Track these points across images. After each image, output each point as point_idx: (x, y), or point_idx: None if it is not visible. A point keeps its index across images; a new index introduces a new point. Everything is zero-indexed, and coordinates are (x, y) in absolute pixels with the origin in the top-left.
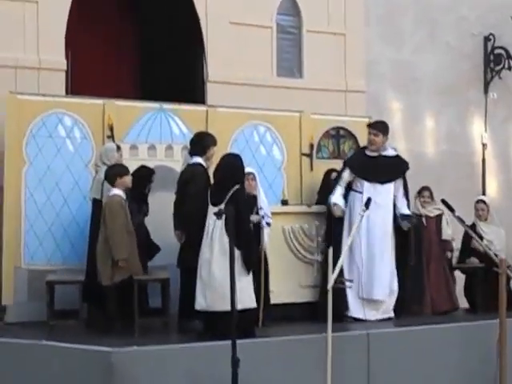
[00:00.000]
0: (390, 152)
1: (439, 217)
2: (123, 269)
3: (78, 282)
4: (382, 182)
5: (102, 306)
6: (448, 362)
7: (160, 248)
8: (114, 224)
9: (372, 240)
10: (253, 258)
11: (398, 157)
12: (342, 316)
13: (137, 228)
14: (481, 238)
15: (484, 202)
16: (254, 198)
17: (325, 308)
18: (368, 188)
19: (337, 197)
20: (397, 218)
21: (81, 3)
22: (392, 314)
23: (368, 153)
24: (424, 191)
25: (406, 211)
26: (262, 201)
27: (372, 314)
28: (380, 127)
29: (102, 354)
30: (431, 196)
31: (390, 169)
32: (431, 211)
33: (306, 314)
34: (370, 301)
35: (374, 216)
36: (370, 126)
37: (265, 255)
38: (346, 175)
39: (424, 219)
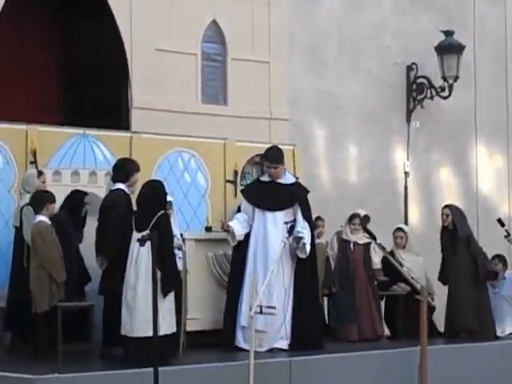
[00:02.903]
0: (287, 179)
1: (368, 245)
2: (59, 292)
3: (0, 308)
4: (272, 209)
5: (25, 334)
6: None
7: (91, 278)
8: (48, 249)
9: (257, 268)
10: (173, 283)
11: (295, 184)
12: (230, 345)
13: (75, 254)
14: (400, 265)
15: (402, 230)
16: None
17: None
18: (258, 214)
19: (231, 223)
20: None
21: (4, 28)
22: (282, 346)
23: (262, 179)
24: (354, 218)
25: (300, 233)
26: (176, 228)
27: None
28: (279, 158)
29: (23, 382)
30: (361, 223)
31: (283, 197)
32: (360, 238)
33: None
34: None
35: (261, 245)
36: (268, 160)
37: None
38: (243, 203)
39: (352, 245)
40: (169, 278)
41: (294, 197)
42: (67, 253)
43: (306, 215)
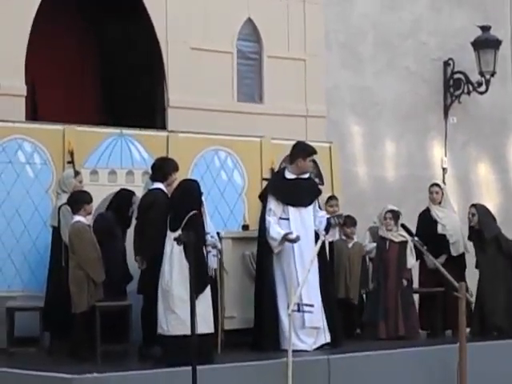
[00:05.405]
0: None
1: (404, 243)
2: (97, 292)
3: (39, 308)
4: (306, 204)
5: (64, 334)
6: None
7: (132, 277)
8: (86, 249)
9: (304, 264)
10: (202, 283)
11: (310, 178)
12: (276, 350)
13: (120, 254)
14: (435, 222)
15: (438, 185)
16: None
17: (259, 336)
18: (294, 213)
19: (278, 231)
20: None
21: (41, 29)
22: (328, 340)
23: (288, 176)
24: (387, 214)
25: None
26: (209, 226)
27: (311, 342)
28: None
29: (62, 381)
30: (394, 220)
31: (309, 190)
32: (396, 236)
33: None
34: (307, 329)
35: (305, 241)
36: (313, 152)
37: (215, 279)
38: (273, 204)
39: (387, 243)
40: (201, 280)
41: (315, 189)
42: (112, 253)
43: (321, 206)
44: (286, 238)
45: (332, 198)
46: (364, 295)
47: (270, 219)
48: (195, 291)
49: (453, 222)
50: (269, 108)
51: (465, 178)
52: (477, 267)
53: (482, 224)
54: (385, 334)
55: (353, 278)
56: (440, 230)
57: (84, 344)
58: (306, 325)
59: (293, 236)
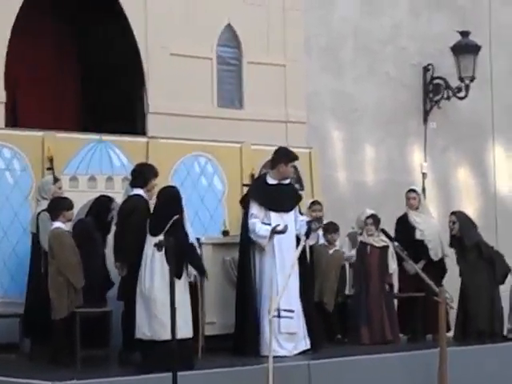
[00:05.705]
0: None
1: (385, 248)
2: (77, 298)
3: (18, 314)
4: (287, 210)
5: (44, 340)
6: None
7: (113, 283)
8: (66, 255)
9: (285, 269)
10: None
11: (291, 183)
12: (257, 355)
13: (100, 260)
14: (413, 228)
15: (414, 190)
16: None
17: (240, 341)
18: (275, 218)
19: (266, 228)
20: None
21: (21, 35)
22: (308, 346)
23: (270, 181)
24: (368, 219)
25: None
26: (189, 232)
27: (291, 348)
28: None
29: None
30: (375, 225)
31: (291, 196)
32: (377, 241)
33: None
34: (285, 334)
35: (286, 246)
36: (295, 158)
37: (195, 285)
38: (255, 209)
39: (369, 248)
40: (200, 266)
41: (296, 194)
42: (91, 258)
43: (301, 211)
44: (274, 231)
45: (315, 203)
46: (347, 301)
47: (254, 220)
48: (202, 273)
49: (431, 227)
50: (249, 113)
51: (444, 182)
52: (461, 275)
53: (462, 231)
54: (368, 339)
55: (328, 283)
56: (418, 235)
57: (64, 350)
58: (281, 330)
59: (281, 227)
